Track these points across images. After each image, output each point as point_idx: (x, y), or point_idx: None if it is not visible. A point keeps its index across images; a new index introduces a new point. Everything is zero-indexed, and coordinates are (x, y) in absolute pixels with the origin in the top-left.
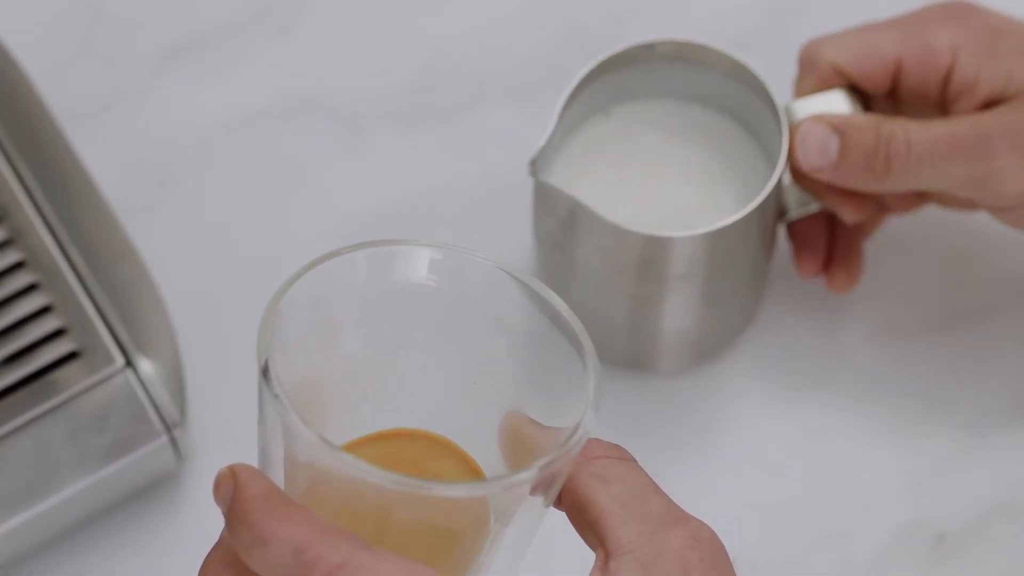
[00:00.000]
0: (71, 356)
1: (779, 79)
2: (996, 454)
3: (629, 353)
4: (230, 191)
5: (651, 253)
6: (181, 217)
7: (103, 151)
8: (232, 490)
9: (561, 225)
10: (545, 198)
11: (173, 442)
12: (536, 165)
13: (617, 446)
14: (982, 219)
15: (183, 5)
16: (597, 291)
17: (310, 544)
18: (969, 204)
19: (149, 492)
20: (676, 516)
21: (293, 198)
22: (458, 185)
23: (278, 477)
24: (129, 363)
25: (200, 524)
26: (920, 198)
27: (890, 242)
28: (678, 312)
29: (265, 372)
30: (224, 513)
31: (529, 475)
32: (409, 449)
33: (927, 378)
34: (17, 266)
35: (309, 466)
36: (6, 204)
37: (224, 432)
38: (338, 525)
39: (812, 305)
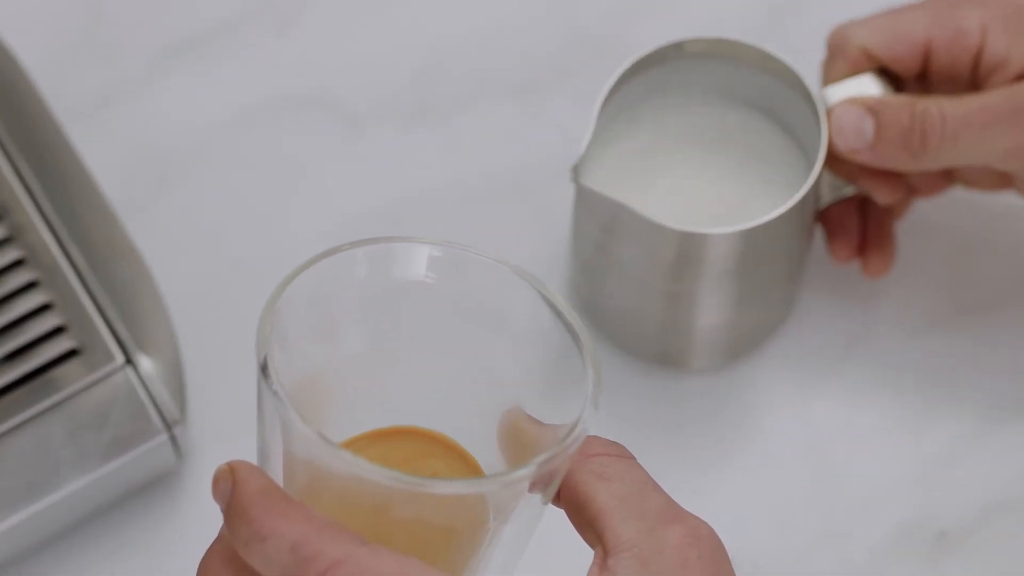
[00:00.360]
0: (71, 354)
1: None
2: (997, 452)
3: (662, 350)
4: (230, 189)
5: (689, 250)
6: (181, 215)
7: (103, 149)
8: (231, 487)
9: (602, 228)
10: (587, 202)
11: (173, 440)
12: (577, 171)
13: (616, 443)
14: (986, 214)
15: (183, 3)
16: (634, 289)
17: (308, 540)
18: (998, 183)
19: (149, 490)
20: (675, 513)
21: (293, 196)
22: (458, 184)
23: (277, 474)
24: (129, 361)
25: (200, 522)
26: (948, 179)
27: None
28: (713, 309)
29: (264, 369)
30: (222, 510)
31: (527, 472)
32: (408, 447)
33: (927, 376)
34: (17, 264)
35: (308, 463)
36: (6, 202)
37: (224, 430)
38: (336, 522)
39: (812, 304)
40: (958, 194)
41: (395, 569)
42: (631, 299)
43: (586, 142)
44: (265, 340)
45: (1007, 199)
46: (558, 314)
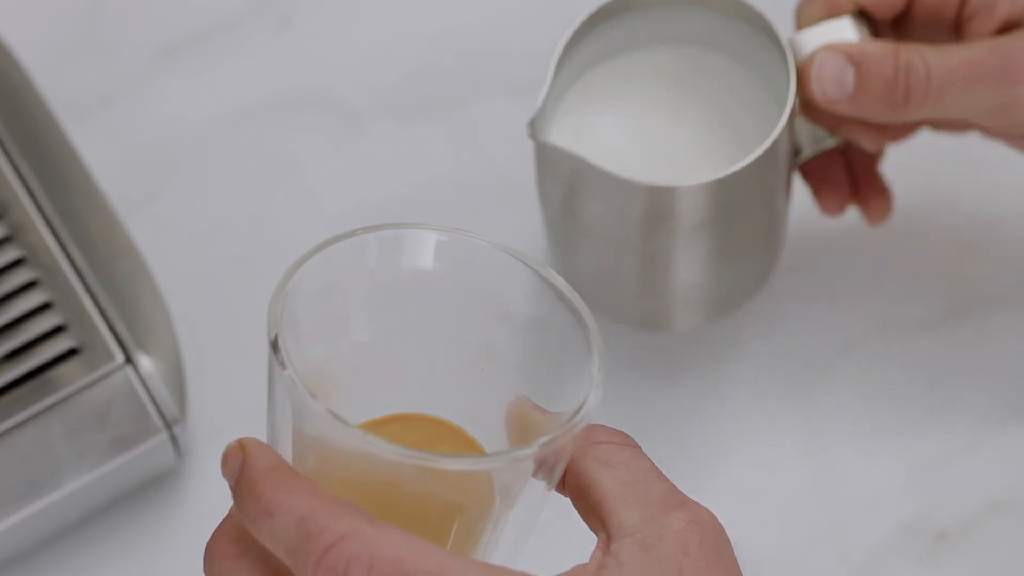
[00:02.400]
0: (71, 353)
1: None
2: (996, 451)
3: (642, 312)
4: (230, 187)
5: (659, 205)
6: (181, 212)
7: (102, 146)
8: (240, 463)
9: (566, 186)
10: (548, 160)
11: (173, 439)
12: (535, 126)
13: (621, 432)
14: (984, 215)
15: (181, 1)
16: (607, 250)
17: (315, 515)
18: (964, 126)
19: (149, 489)
20: (677, 500)
21: (293, 194)
22: (457, 178)
23: (286, 455)
24: (129, 360)
25: (200, 520)
26: (917, 124)
27: (890, 238)
28: (691, 267)
29: (275, 346)
30: (231, 487)
31: (531, 451)
32: (415, 432)
33: (927, 375)
34: (17, 263)
35: (317, 441)
36: (5, 201)
37: (224, 428)
38: (344, 499)
39: (811, 301)
40: (958, 194)
41: (401, 546)
42: (603, 261)
43: (543, 95)
44: (276, 319)
45: (1007, 199)
46: (563, 299)
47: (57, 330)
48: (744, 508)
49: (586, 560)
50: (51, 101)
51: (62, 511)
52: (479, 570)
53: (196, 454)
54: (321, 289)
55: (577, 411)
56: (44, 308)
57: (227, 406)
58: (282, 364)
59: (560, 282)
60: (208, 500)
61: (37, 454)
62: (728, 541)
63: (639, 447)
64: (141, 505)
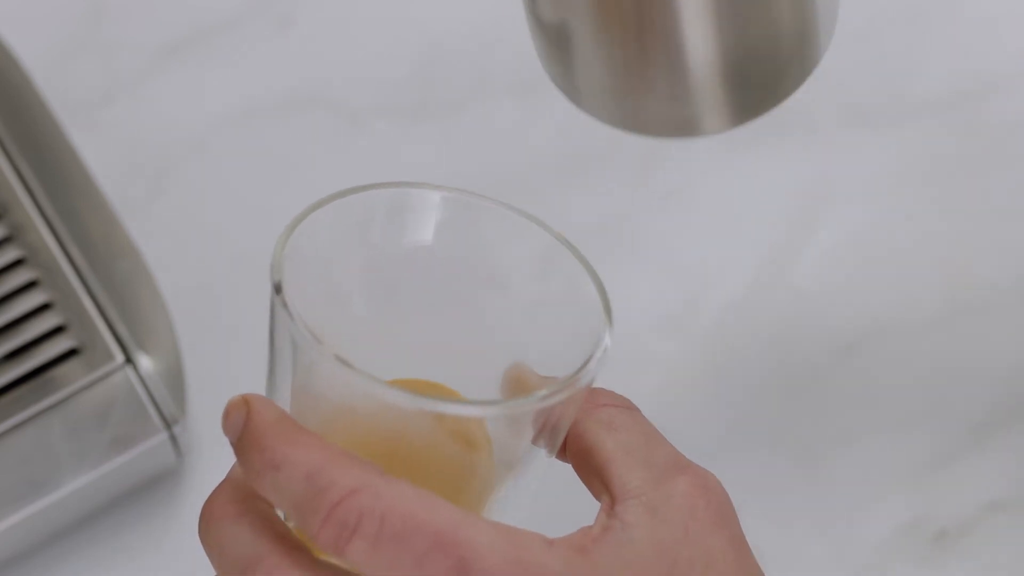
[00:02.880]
0: (71, 353)
1: None
2: (996, 451)
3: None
4: (230, 187)
5: None
6: (181, 212)
7: (102, 146)
8: (244, 417)
9: None
10: None
11: (173, 438)
12: None
13: (623, 396)
14: (985, 215)
15: (182, 0)
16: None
17: (323, 468)
18: None
19: (149, 488)
20: (682, 463)
21: (293, 192)
22: (457, 181)
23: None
24: (129, 360)
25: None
26: None
27: (889, 237)
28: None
29: (278, 289)
30: (233, 443)
31: (536, 400)
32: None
33: (926, 375)
34: (17, 263)
35: (319, 394)
36: (5, 201)
37: None
38: (353, 452)
39: (810, 301)
40: (958, 193)
41: (411, 500)
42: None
43: None
44: (279, 263)
45: (1008, 199)
46: (579, 259)
47: (57, 330)
48: (744, 508)
49: (589, 525)
50: (51, 101)
51: (62, 511)
52: (491, 528)
53: (196, 454)
54: (321, 249)
55: (582, 367)
56: (44, 308)
57: None
58: (285, 307)
59: (569, 243)
60: None
61: (37, 454)
62: (732, 506)
63: (640, 411)
64: (141, 505)
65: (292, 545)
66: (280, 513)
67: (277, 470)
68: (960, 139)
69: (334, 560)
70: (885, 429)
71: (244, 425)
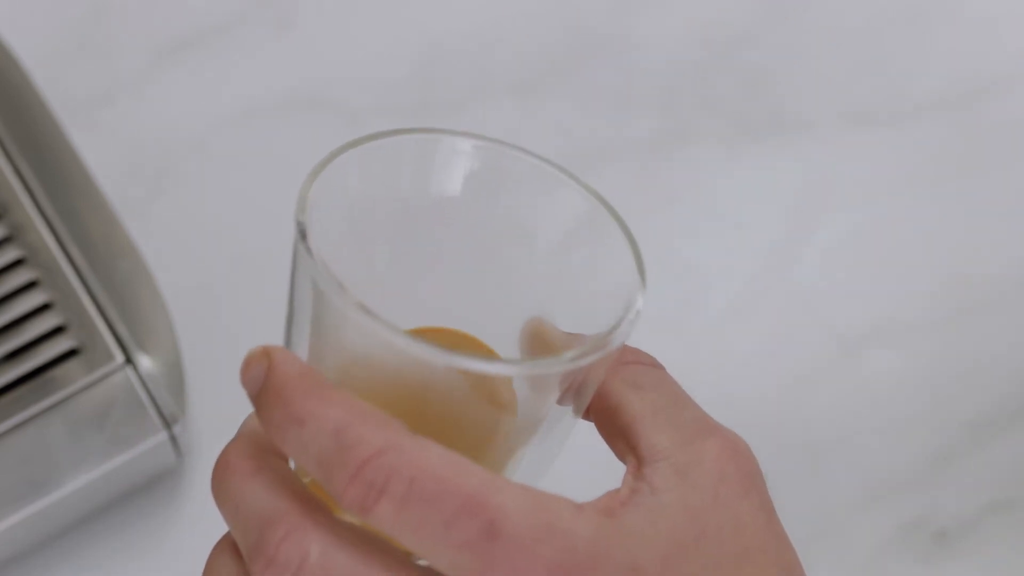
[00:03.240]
0: (71, 353)
1: (783, 75)
2: (996, 451)
3: None
4: (230, 187)
5: None
6: (181, 212)
7: (102, 146)
8: (265, 369)
9: None
10: None
11: (173, 439)
12: None
13: (648, 354)
14: (985, 215)
15: (182, 1)
16: None
17: (351, 425)
18: None
19: (149, 488)
20: (711, 426)
21: (293, 192)
22: None
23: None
24: (129, 360)
25: (201, 519)
26: None
27: (888, 236)
28: None
29: (303, 234)
30: (252, 396)
31: (564, 362)
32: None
33: (927, 375)
34: (17, 263)
35: (340, 346)
36: (5, 201)
37: (224, 428)
38: (380, 410)
39: (809, 301)
40: (958, 193)
41: (443, 462)
42: None
43: None
44: (305, 203)
45: (1008, 199)
46: (614, 217)
47: (57, 330)
48: None
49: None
50: (51, 101)
51: (62, 511)
52: (520, 492)
53: (196, 454)
54: (347, 194)
55: (614, 328)
56: (44, 308)
57: (227, 406)
58: (309, 252)
59: (602, 197)
60: (208, 500)
61: (37, 454)
62: (760, 471)
63: (666, 370)
64: (141, 505)
65: (312, 503)
66: (292, 466)
67: (301, 425)
68: (960, 139)
69: (355, 519)
70: (885, 429)
71: (265, 378)
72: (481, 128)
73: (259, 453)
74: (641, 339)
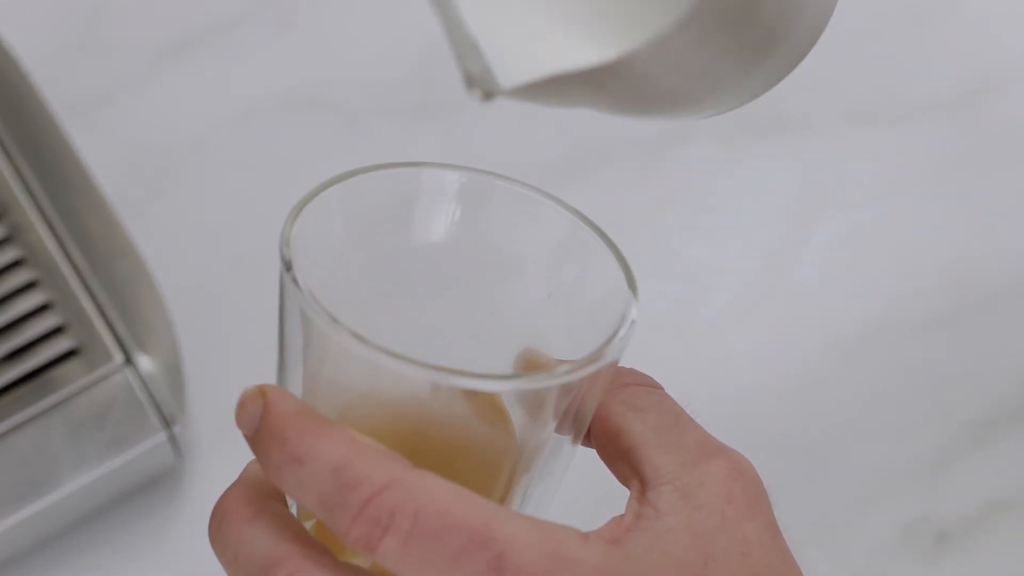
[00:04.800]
0: (70, 353)
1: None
2: (996, 451)
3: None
4: (230, 187)
5: None
6: (181, 212)
7: (102, 146)
8: (261, 408)
9: None
10: None
11: (172, 439)
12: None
13: (647, 375)
14: (985, 215)
15: (182, 1)
16: None
17: (351, 463)
18: None
19: (149, 489)
20: (714, 446)
21: (293, 194)
22: None
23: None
24: (128, 360)
25: (200, 520)
26: None
27: (888, 236)
28: None
29: (288, 266)
30: (248, 437)
31: (558, 376)
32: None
33: (927, 375)
34: (17, 263)
35: (334, 378)
36: (5, 201)
37: (224, 429)
38: (380, 445)
39: (809, 301)
40: (958, 193)
41: (447, 497)
42: None
43: None
44: (288, 241)
45: (1008, 198)
46: (599, 235)
47: (57, 330)
48: None
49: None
50: (51, 101)
51: (62, 511)
52: (525, 523)
53: (196, 454)
54: (332, 228)
55: (608, 341)
56: (44, 308)
57: (227, 406)
58: (296, 284)
59: (589, 221)
60: (208, 500)
61: (36, 455)
62: (765, 491)
63: (665, 390)
64: (141, 505)
65: (314, 546)
66: (293, 510)
67: (300, 464)
68: (960, 139)
69: (357, 561)
70: (885, 429)
71: (262, 417)
72: (481, 128)
73: (257, 497)
74: (641, 339)
